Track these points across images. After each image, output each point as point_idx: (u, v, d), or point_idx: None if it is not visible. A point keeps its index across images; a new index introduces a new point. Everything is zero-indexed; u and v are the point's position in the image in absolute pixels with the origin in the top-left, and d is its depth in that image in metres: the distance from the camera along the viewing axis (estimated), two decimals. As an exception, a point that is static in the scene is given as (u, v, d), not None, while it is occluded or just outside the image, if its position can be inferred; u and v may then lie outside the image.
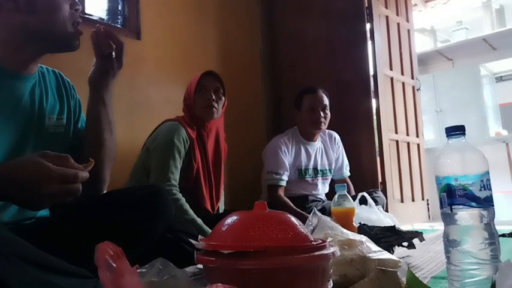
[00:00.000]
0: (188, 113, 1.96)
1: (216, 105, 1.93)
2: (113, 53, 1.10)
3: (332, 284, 0.81)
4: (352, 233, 1.17)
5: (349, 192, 2.38)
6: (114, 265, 0.55)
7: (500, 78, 4.80)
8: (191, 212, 1.73)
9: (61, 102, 1.18)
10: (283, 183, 2.40)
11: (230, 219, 0.79)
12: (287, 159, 2.44)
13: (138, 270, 0.78)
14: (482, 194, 0.79)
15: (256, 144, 2.91)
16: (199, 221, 1.71)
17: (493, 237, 0.78)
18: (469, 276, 0.77)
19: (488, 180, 0.80)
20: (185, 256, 1.27)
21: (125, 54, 1.13)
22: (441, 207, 0.83)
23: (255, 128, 3.12)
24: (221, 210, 2.08)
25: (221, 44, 2.91)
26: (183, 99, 2.01)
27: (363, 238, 1.12)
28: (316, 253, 0.73)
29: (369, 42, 2.95)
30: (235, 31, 3.05)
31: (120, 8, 2.42)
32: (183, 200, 1.75)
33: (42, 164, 0.80)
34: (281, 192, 2.38)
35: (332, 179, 2.61)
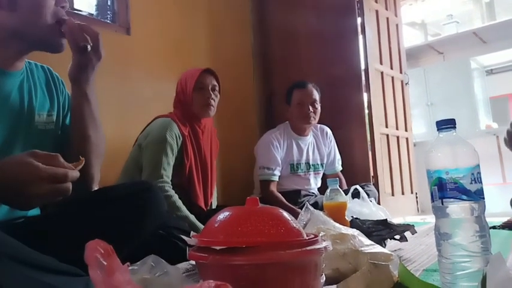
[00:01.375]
0: (182, 109, 1.94)
1: (213, 103, 1.94)
2: (89, 46, 1.06)
3: (324, 278, 0.81)
4: (345, 227, 1.17)
5: (341, 186, 2.39)
6: (105, 263, 0.55)
7: (490, 71, 4.84)
8: (184, 208, 1.73)
9: (51, 98, 1.16)
10: (276, 178, 2.40)
11: (222, 215, 0.79)
12: (279, 154, 2.44)
13: (129, 268, 0.78)
14: (473, 187, 0.79)
15: (248, 139, 2.91)
16: (192, 217, 1.71)
17: (483, 230, 0.79)
18: (461, 268, 0.77)
19: (479, 173, 0.81)
20: (178, 252, 1.27)
21: (102, 45, 1.09)
22: (432, 200, 0.83)
23: (247, 123, 3.12)
24: (214, 206, 2.08)
25: (212, 39, 2.90)
26: (175, 94, 2.00)
27: (355, 232, 1.12)
28: (309, 248, 0.73)
29: (360, 37, 2.95)
30: (226, 26, 3.04)
31: (109, 3, 2.39)
32: (176, 196, 1.74)
33: (31, 164, 0.79)
34: (273, 188, 2.38)
35: (324, 174, 2.62)
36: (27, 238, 0.85)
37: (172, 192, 1.74)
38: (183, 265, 1.32)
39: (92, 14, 2.33)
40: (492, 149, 4.06)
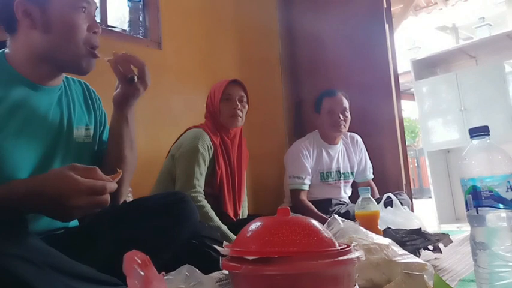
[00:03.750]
0: (212, 119, 1.98)
1: (240, 113, 1.96)
2: (135, 77, 1.09)
3: (358, 289, 0.80)
4: (377, 236, 1.16)
5: (373, 195, 2.36)
6: (142, 273, 0.57)
7: (526, 75, 4.67)
8: (216, 218, 1.75)
9: (88, 113, 1.20)
10: (306, 187, 2.39)
11: (254, 225, 0.80)
12: (309, 163, 2.43)
13: (165, 277, 0.80)
14: (509, 195, 0.77)
15: (278, 148, 2.92)
16: (224, 227, 1.73)
17: (521, 239, 0.77)
18: (498, 278, 0.76)
19: (515, 180, 0.79)
20: (211, 262, 1.28)
21: (148, 75, 1.12)
22: (467, 209, 0.82)
23: (276, 132, 3.13)
24: (244, 216, 2.09)
25: (240, 50, 2.93)
26: (206, 106, 2.04)
27: (388, 241, 1.11)
28: (341, 258, 0.73)
29: (389, 43, 2.92)
30: (254, 36, 3.07)
31: (141, 19, 2.47)
32: (208, 206, 1.77)
33: (71, 177, 0.83)
34: (304, 197, 2.38)
35: (355, 182, 2.59)
36: (67, 248, 0.88)
37: (205, 202, 1.77)
38: (216, 275, 1.33)
39: (125, 30, 2.40)
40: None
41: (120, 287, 0.86)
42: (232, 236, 1.68)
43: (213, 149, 1.89)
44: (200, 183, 1.80)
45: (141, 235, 1.02)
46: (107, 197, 0.87)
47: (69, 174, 0.83)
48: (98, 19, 2.18)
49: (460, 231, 3.29)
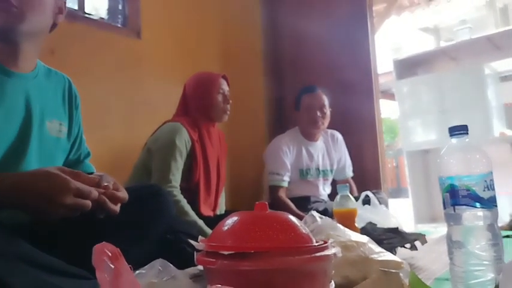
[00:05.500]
0: (195, 113, 1.93)
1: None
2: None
3: (334, 286, 0.80)
4: (355, 233, 1.16)
5: (351, 192, 2.37)
6: (112, 266, 0.55)
7: (504, 78, 4.77)
8: (192, 213, 1.72)
9: (64, 109, 1.16)
10: (285, 184, 2.39)
11: (230, 220, 0.78)
12: (288, 159, 2.43)
13: (137, 272, 0.78)
14: (485, 195, 0.78)
15: (257, 144, 2.90)
16: (200, 222, 1.71)
17: (496, 238, 0.77)
18: (473, 277, 0.76)
19: (492, 180, 0.79)
20: (185, 257, 1.26)
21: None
22: (444, 207, 0.82)
23: (256, 128, 3.11)
24: (222, 211, 2.07)
25: (222, 43, 2.90)
26: (184, 98, 1.99)
27: (366, 239, 1.11)
28: (318, 254, 0.72)
29: (371, 42, 2.93)
30: (237, 29, 3.04)
31: (120, 7, 2.41)
32: (185, 201, 1.74)
33: (61, 176, 0.84)
34: (282, 193, 2.37)
35: (334, 180, 2.60)
36: (37, 240, 0.86)
37: (181, 197, 1.74)
38: (190, 270, 1.31)
39: (103, 18, 2.34)
40: (506, 157, 4.00)
41: (90, 280, 0.83)
42: (209, 231, 1.66)
43: (190, 144, 1.86)
44: (176, 178, 1.77)
45: (113, 227, 0.99)
46: (89, 202, 0.86)
47: (59, 173, 0.84)
48: (75, 6, 2.13)
49: (436, 231, 3.34)
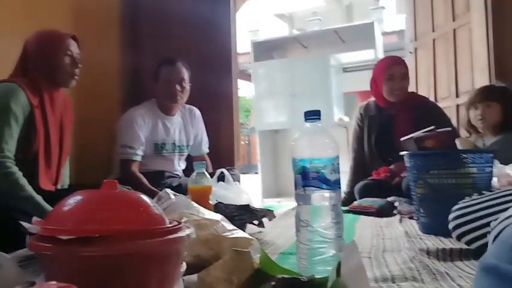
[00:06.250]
0: (37, 74, 1.68)
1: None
2: None
3: (185, 267, 0.77)
4: (208, 211, 1.15)
5: (206, 169, 2.39)
6: None
7: (345, 69, 5.30)
8: (29, 188, 1.52)
9: None
10: (138, 158, 2.29)
11: (73, 200, 0.69)
12: (143, 132, 2.32)
13: None
14: (332, 177, 0.83)
15: (109, 115, 2.70)
16: (38, 198, 1.51)
17: (338, 217, 0.83)
18: (317, 253, 0.81)
19: (338, 164, 0.85)
20: (18, 238, 1.10)
21: None
22: (296, 188, 0.85)
23: (110, 97, 2.89)
24: (66, 185, 1.88)
25: (74, 1, 2.60)
26: (25, 55, 1.72)
27: (219, 217, 1.11)
28: (171, 236, 0.68)
29: (232, 20, 2.95)
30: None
31: None
32: (20, 174, 1.53)
33: None
34: (135, 168, 2.27)
35: (190, 155, 2.58)
36: None
37: (15, 169, 1.52)
38: (23, 252, 1.16)
39: None
40: (342, 140, 4.48)
41: None
42: (48, 208, 1.48)
43: (29, 109, 1.62)
44: (10, 147, 1.54)
45: None
46: None
47: None
48: None
49: (280, 205, 3.59)
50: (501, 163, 1.71)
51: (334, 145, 0.85)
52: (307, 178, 0.82)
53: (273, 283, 0.68)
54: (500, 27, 2.69)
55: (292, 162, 0.86)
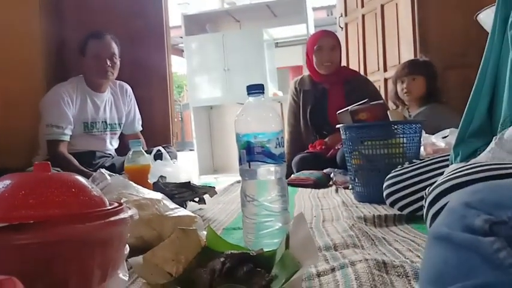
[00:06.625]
0: None
1: None
2: None
3: (128, 249, 0.74)
4: (148, 191, 1.12)
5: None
6: None
7: (277, 44, 5.33)
8: None
9: None
10: (66, 138, 2.16)
11: (1, 184, 0.63)
12: (70, 111, 2.19)
13: None
14: (277, 151, 0.83)
15: (33, 93, 2.50)
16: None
17: (284, 191, 0.84)
18: (263, 227, 0.81)
19: (283, 138, 0.85)
20: None
21: None
22: (240, 163, 0.84)
23: (31, 74, 2.67)
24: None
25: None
26: None
27: (160, 196, 1.08)
28: (113, 219, 0.65)
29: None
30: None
31: None
32: None
33: None
34: (63, 149, 2.14)
35: (123, 134, 2.48)
36: None
37: None
38: None
39: None
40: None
41: None
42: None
43: None
44: None
45: None
46: None
47: None
48: None
49: (218, 181, 3.59)
50: (426, 133, 1.82)
51: (278, 119, 0.85)
52: (252, 153, 0.81)
53: (222, 259, 0.67)
54: (424, 3, 2.82)
55: (236, 137, 0.85)
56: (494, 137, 0.93)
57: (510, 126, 0.90)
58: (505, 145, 0.88)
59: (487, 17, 1.62)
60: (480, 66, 1.02)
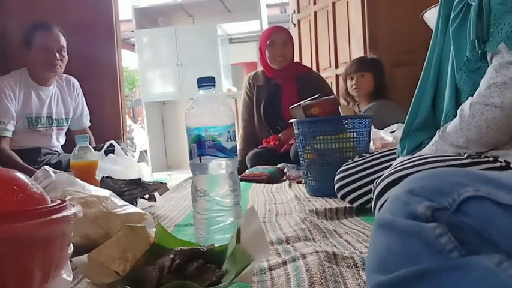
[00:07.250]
0: None
1: None
2: None
3: (73, 248, 0.71)
4: (95, 188, 1.07)
5: (89, 143, 2.23)
6: None
7: (231, 40, 5.30)
8: None
9: None
10: (9, 134, 2.05)
11: None
12: (13, 105, 2.08)
13: None
14: (228, 145, 0.82)
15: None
16: None
17: (236, 185, 0.83)
18: (215, 223, 0.80)
19: (234, 131, 0.84)
20: None
21: None
22: (191, 158, 0.83)
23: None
24: None
25: None
26: None
27: (107, 193, 1.04)
28: (54, 217, 0.61)
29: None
30: None
31: None
32: None
33: None
34: (5, 145, 2.04)
35: (70, 130, 2.38)
36: None
37: None
38: None
39: None
40: (234, 109, 4.52)
41: None
42: None
43: None
44: None
45: None
46: None
47: None
48: None
49: (171, 178, 3.53)
50: (375, 128, 1.88)
51: (229, 112, 0.84)
52: (203, 147, 0.80)
53: (171, 256, 0.66)
54: (374, 2, 2.90)
55: (187, 131, 0.83)
56: (437, 130, 0.97)
57: (452, 119, 0.94)
58: (447, 138, 0.91)
59: (432, 16, 1.68)
60: (425, 63, 1.06)
